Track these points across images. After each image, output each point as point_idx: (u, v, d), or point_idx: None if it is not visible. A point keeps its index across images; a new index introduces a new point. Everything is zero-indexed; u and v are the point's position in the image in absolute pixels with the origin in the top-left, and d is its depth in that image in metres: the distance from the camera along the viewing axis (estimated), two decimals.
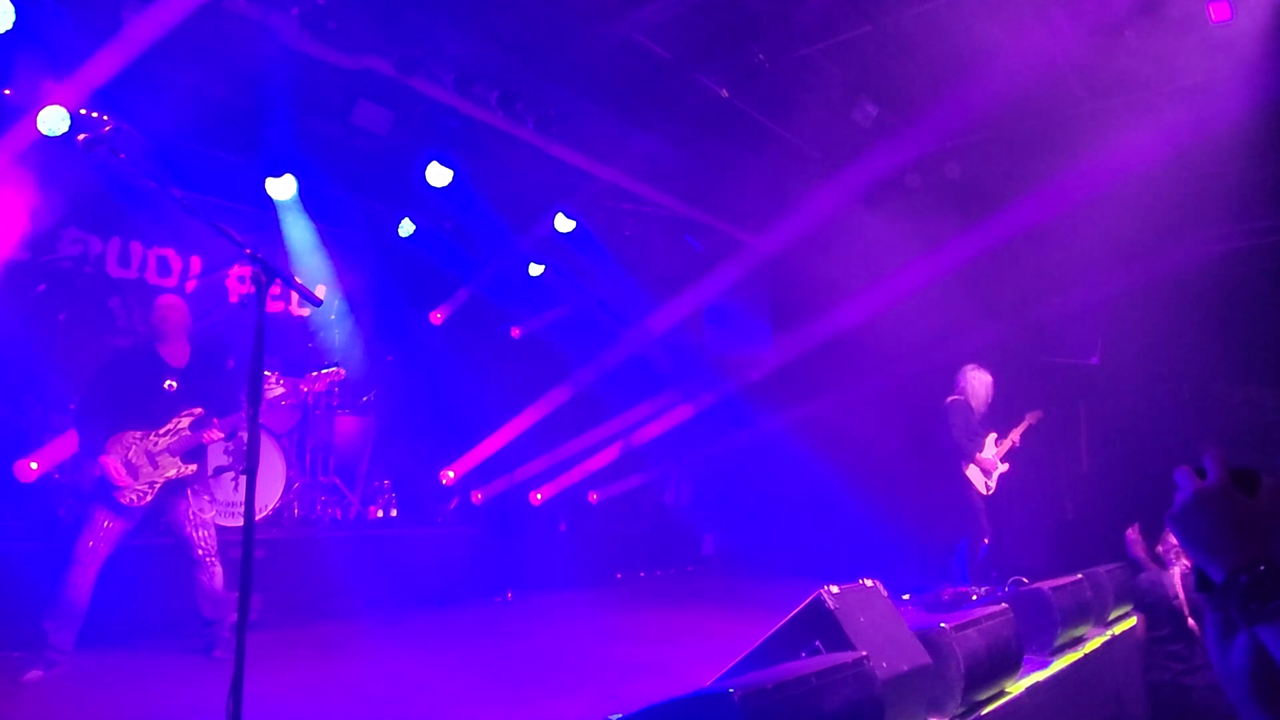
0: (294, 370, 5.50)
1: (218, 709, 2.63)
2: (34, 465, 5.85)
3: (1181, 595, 4.53)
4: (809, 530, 9.30)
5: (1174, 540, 4.82)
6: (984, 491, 6.94)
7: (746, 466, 10.38)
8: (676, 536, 10.35)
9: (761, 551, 9.55)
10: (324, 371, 5.27)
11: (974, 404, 7.06)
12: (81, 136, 3.66)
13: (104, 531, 4.69)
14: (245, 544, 2.68)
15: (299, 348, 7.97)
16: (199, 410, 4.94)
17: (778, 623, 3.11)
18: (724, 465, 10.52)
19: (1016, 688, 3.78)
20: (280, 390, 4.84)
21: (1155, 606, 4.62)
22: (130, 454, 4.75)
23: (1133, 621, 5.23)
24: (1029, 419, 7.25)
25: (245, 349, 2.89)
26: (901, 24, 6.04)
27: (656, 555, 9.82)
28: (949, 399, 7.09)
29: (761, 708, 2.23)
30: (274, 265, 2.93)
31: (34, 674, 4.48)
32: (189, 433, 4.88)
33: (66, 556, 4.65)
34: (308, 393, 5.45)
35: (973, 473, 6.93)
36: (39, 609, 4.62)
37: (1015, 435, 7.15)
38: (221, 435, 4.95)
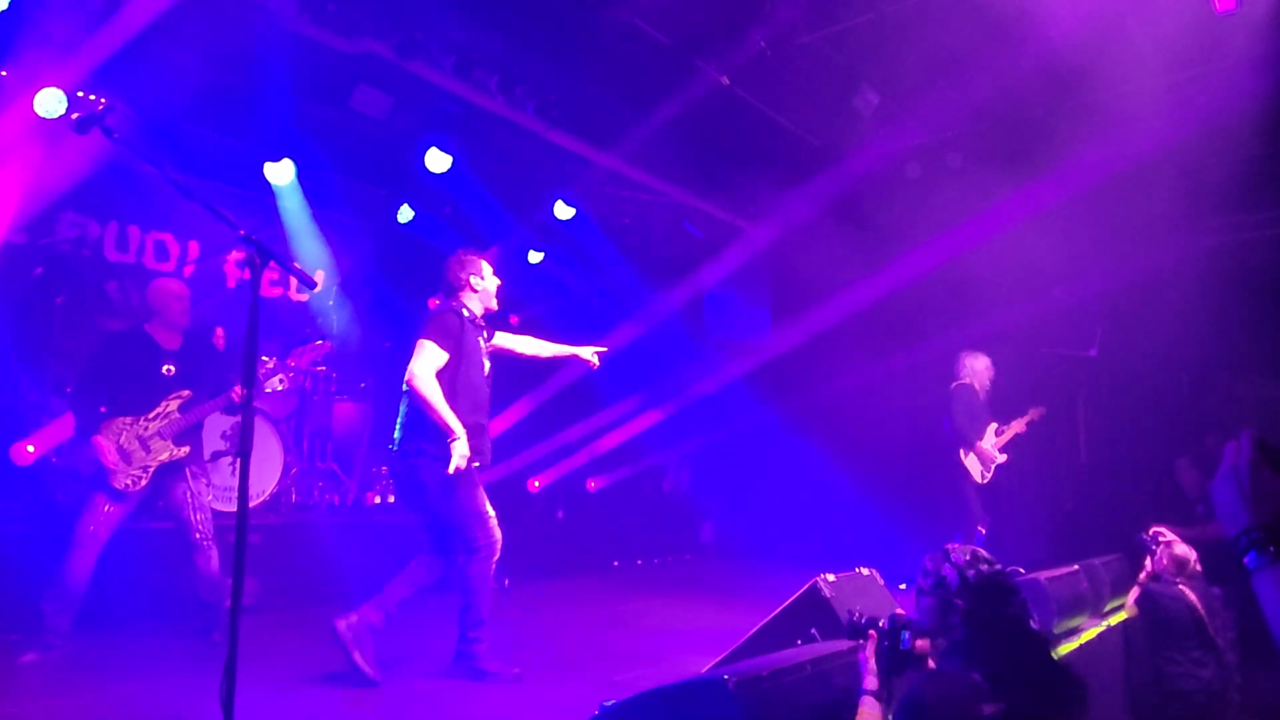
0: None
1: (213, 692, 2.63)
2: (31, 449, 5.84)
3: (1200, 607, 4.44)
4: (808, 518, 9.30)
5: (1154, 529, 4.77)
6: (979, 480, 6.92)
7: (745, 454, 10.37)
8: (675, 524, 10.36)
9: (760, 539, 9.55)
10: (313, 344, 5.26)
11: (977, 386, 7.06)
12: (75, 115, 3.63)
13: (104, 515, 4.69)
14: (239, 527, 2.67)
15: (297, 333, 7.94)
16: (188, 393, 4.93)
17: (774, 610, 3.11)
18: (723, 453, 10.51)
19: None
20: (282, 386, 4.81)
21: (1178, 620, 4.50)
22: (122, 439, 4.74)
23: (1125, 615, 5.22)
24: (1032, 414, 7.19)
25: (242, 333, 2.89)
26: (903, 12, 6.00)
27: (655, 543, 9.83)
28: (954, 384, 7.08)
29: (756, 695, 2.22)
30: (269, 247, 2.92)
31: (31, 656, 4.49)
32: (178, 415, 4.88)
33: (66, 540, 4.65)
34: (294, 367, 5.44)
35: (970, 461, 6.91)
36: (36, 592, 4.63)
37: (1018, 426, 7.12)
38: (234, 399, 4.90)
